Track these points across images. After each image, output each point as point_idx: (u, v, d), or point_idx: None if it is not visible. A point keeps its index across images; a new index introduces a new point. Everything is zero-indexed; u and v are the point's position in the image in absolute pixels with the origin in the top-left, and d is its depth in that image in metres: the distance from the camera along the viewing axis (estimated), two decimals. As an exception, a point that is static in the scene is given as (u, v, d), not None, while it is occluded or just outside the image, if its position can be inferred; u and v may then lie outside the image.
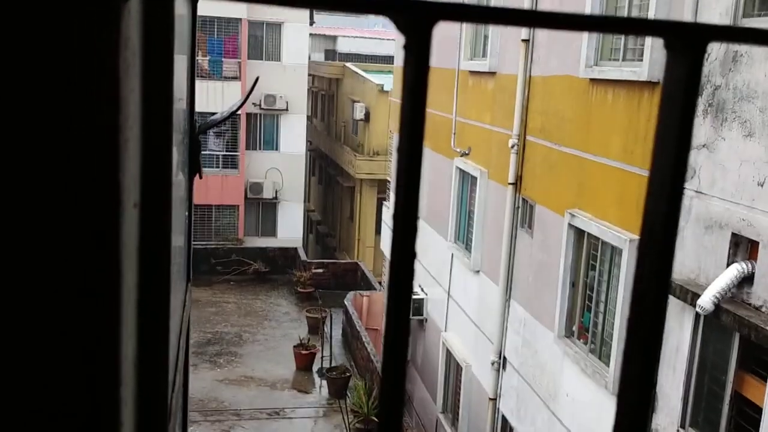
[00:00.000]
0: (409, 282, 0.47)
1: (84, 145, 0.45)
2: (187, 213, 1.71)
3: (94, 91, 0.43)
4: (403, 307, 0.47)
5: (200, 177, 1.81)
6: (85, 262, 0.48)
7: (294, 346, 18.41)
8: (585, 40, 8.84)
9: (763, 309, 5.95)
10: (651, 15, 7.51)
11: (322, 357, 18.13)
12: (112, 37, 0.44)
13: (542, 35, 10.27)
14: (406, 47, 0.42)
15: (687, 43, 0.44)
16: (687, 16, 6.98)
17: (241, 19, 26.02)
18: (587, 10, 8.74)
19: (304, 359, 18.14)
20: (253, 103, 26.27)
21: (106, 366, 0.54)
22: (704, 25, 0.44)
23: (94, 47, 0.43)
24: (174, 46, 0.81)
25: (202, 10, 26.90)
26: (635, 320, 0.49)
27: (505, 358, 11.31)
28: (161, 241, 0.80)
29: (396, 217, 0.42)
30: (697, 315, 6.58)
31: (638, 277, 0.49)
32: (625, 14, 8.32)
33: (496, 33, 11.77)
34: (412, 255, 0.46)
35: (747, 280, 6.10)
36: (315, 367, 18.19)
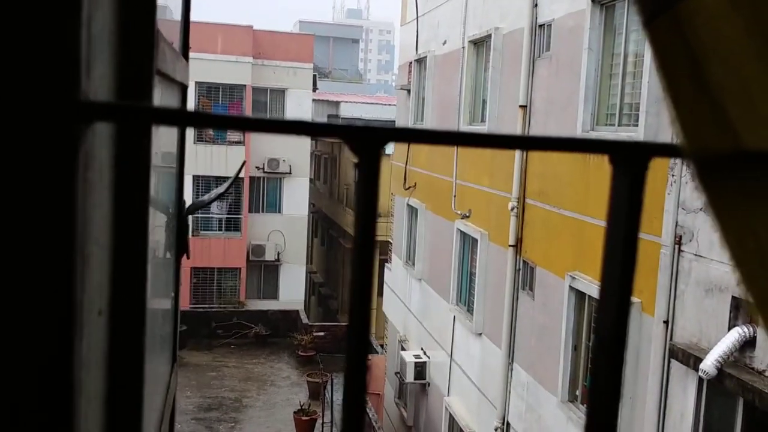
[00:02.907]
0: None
1: (39, 264, 0.47)
2: (174, 294, 1.72)
3: (47, 213, 0.44)
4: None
5: (188, 257, 1.82)
6: (40, 375, 0.48)
7: (294, 412, 18.10)
8: (581, 105, 8.98)
9: (767, 373, 5.87)
10: (645, 81, 7.64)
11: (323, 423, 17.79)
12: (70, 161, 0.45)
13: (540, 101, 10.44)
14: (357, 166, 0.44)
15: (630, 159, 0.45)
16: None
17: (245, 85, 26.50)
18: (582, 77, 8.90)
19: (305, 426, 17.80)
20: (257, 167, 26.52)
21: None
22: (645, 142, 0.46)
23: (48, 172, 0.44)
24: (150, 161, 0.83)
25: (207, 76, 26.96)
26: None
27: (508, 423, 11.10)
28: (133, 350, 0.80)
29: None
30: (701, 380, 6.49)
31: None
32: (619, 83, 8.47)
33: (494, 98, 11.96)
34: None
35: (749, 343, 6.04)
36: (316, 434, 17.87)
